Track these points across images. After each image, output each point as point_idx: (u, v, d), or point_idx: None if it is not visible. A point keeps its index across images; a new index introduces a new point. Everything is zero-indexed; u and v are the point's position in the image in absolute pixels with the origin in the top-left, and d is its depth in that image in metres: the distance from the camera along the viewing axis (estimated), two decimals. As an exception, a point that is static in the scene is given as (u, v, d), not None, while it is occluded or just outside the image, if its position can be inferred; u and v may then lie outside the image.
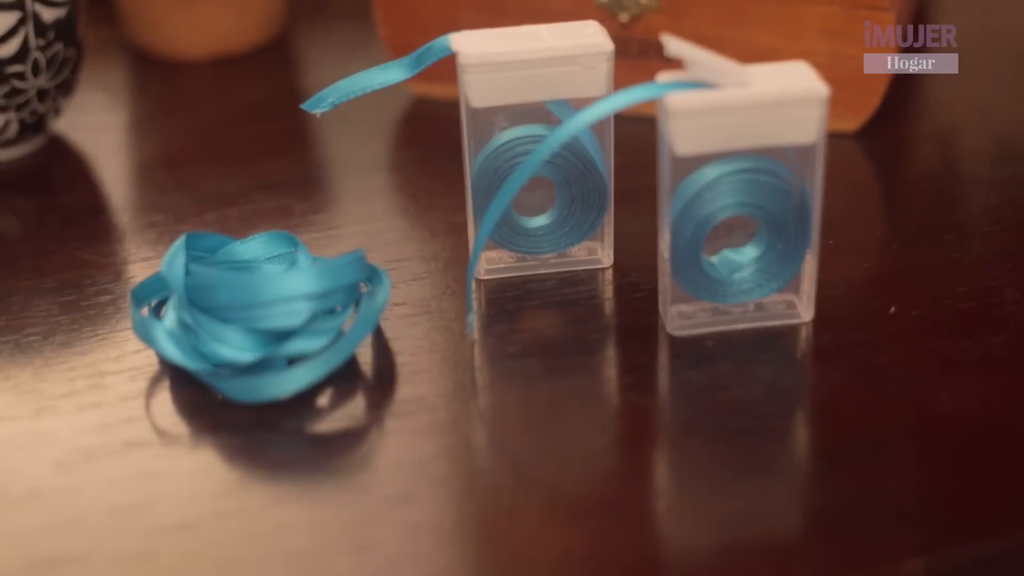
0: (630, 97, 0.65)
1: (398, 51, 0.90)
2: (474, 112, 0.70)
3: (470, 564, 0.58)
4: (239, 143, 0.91)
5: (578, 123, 0.65)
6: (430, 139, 0.89)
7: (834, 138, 0.84)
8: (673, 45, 0.64)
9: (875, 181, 0.84)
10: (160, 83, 0.99)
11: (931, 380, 0.65)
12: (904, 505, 0.59)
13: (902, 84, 0.90)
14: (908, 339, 0.68)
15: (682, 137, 0.65)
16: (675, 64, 0.65)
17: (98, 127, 0.93)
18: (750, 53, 0.83)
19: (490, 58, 0.69)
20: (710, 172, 0.66)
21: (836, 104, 0.83)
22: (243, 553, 0.58)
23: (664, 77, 0.65)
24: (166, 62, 1.00)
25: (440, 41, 0.70)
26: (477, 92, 0.69)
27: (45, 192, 0.86)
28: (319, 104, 0.72)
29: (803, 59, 0.80)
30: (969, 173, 0.84)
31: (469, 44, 0.69)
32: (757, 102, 0.64)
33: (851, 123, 0.85)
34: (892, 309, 0.70)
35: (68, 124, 0.92)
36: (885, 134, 0.86)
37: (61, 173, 0.88)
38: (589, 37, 0.69)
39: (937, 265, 0.74)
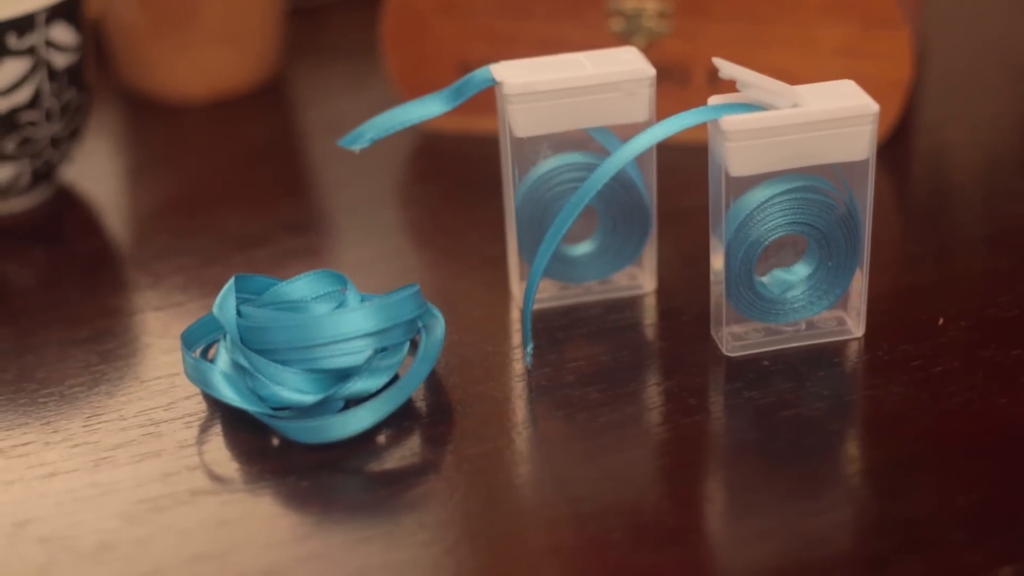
0: (684, 121, 0.65)
1: (407, 84, 0.89)
2: (518, 142, 0.70)
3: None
4: (251, 184, 0.90)
5: (634, 148, 0.65)
6: (444, 173, 0.89)
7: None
8: (726, 68, 0.64)
9: (902, 196, 0.85)
10: (161, 127, 0.97)
11: (989, 389, 0.66)
12: (984, 514, 0.59)
13: (920, 98, 0.90)
14: (960, 350, 0.68)
15: (738, 158, 0.65)
16: (702, 89, 0.66)
17: (105, 173, 0.91)
18: (766, 75, 0.84)
19: (533, 87, 0.68)
20: (761, 193, 0.66)
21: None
22: (332, 596, 0.57)
23: (716, 100, 0.66)
24: (164, 105, 0.98)
25: (481, 72, 0.69)
26: (521, 122, 0.69)
27: (61, 241, 0.84)
28: (357, 140, 0.71)
29: (819, 78, 0.81)
30: (982, 186, 0.85)
31: (511, 74, 0.69)
32: (811, 121, 0.65)
33: (868, 140, 0.86)
34: (940, 321, 0.70)
35: (75, 172, 0.90)
36: (905, 149, 0.87)
37: (74, 221, 0.86)
38: (630, 63, 0.69)
39: (975, 276, 0.75)
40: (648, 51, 0.86)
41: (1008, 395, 0.65)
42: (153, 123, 0.98)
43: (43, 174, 0.84)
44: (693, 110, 0.65)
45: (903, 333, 0.70)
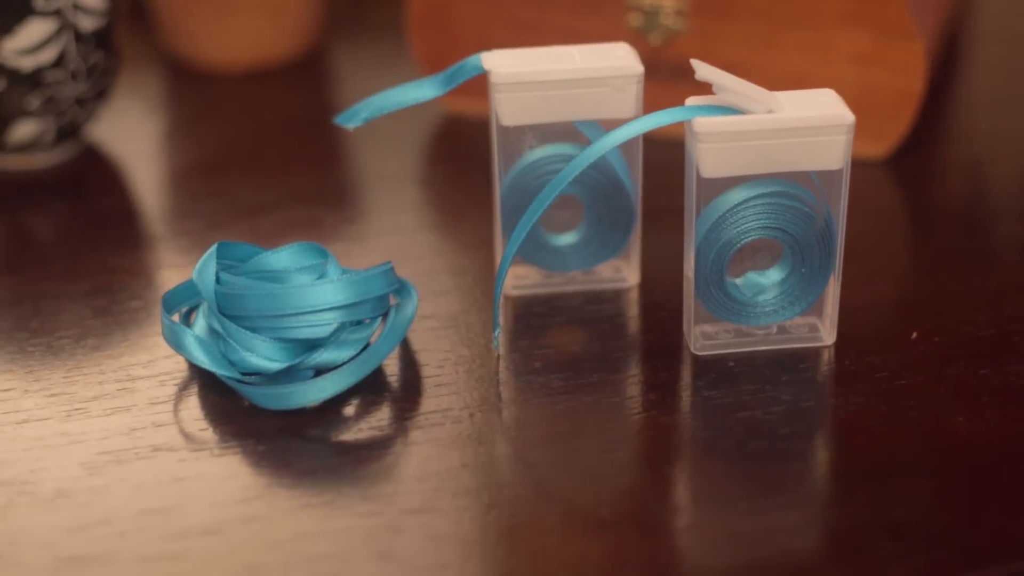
0: (659, 120, 0.66)
1: (431, 68, 0.91)
2: (504, 130, 0.71)
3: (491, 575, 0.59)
4: (273, 154, 0.92)
5: (607, 143, 0.66)
6: (461, 155, 0.90)
7: (862, 164, 0.85)
8: (702, 70, 0.65)
9: (901, 208, 0.85)
10: (196, 93, 1.00)
11: (948, 406, 0.66)
12: (918, 530, 0.59)
13: (932, 112, 0.90)
14: (928, 365, 0.68)
15: (709, 160, 0.65)
16: (706, 88, 0.66)
17: (134, 135, 0.94)
18: (780, 78, 0.84)
19: (521, 77, 0.69)
20: (736, 195, 0.67)
21: (864, 131, 0.84)
22: (267, 558, 0.59)
23: (693, 101, 0.66)
24: (203, 73, 1.01)
25: (472, 59, 0.71)
26: (507, 110, 0.70)
27: (80, 197, 0.87)
28: (352, 119, 0.72)
29: (832, 85, 0.81)
30: (996, 202, 0.85)
31: (501, 63, 0.70)
32: (784, 127, 0.65)
33: (879, 149, 0.86)
34: (914, 335, 0.70)
35: (105, 131, 0.93)
36: (913, 161, 0.87)
37: (96, 179, 0.89)
38: (620, 59, 0.70)
39: (960, 292, 0.74)
40: (664, 49, 0.87)
41: (967, 413, 0.65)
42: (188, 89, 1.00)
43: (68, 132, 0.87)
44: (669, 109, 0.66)
45: (874, 344, 0.70)
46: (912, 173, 0.86)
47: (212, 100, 0.99)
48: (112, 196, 0.88)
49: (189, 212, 0.84)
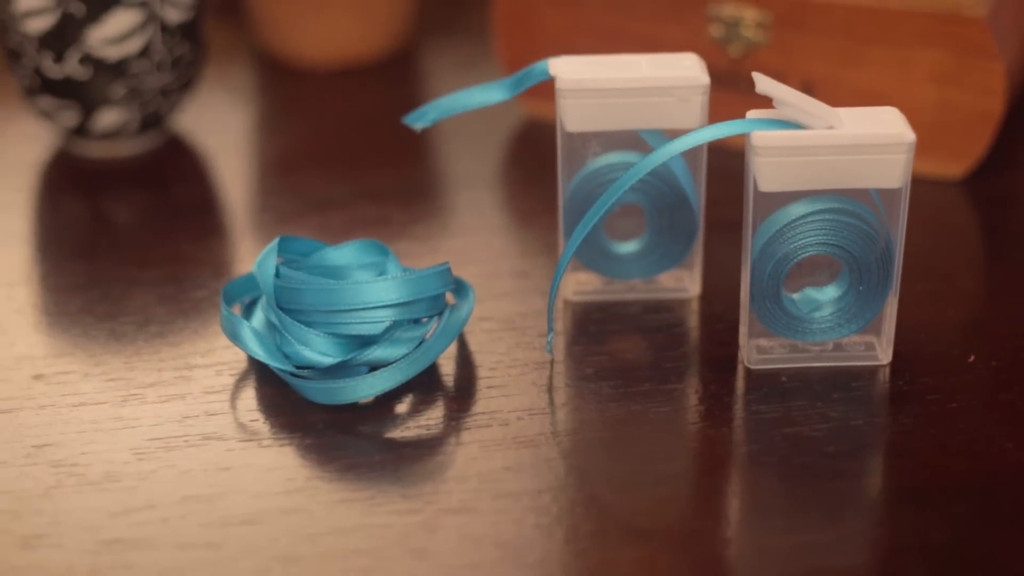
0: (718, 131, 0.66)
1: (513, 71, 0.91)
2: (569, 136, 0.71)
3: (525, 578, 0.59)
4: (352, 151, 0.93)
5: (664, 154, 0.66)
6: (536, 159, 0.91)
7: (938, 183, 0.84)
8: (763, 83, 0.64)
9: (976, 229, 0.84)
10: (283, 88, 1.01)
11: (998, 431, 0.65)
12: (952, 554, 0.59)
13: (1014, 133, 0.89)
14: (982, 388, 0.68)
15: (767, 174, 0.65)
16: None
17: (219, 127, 0.95)
18: (858, 94, 0.84)
19: (586, 84, 0.70)
20: (795, 210, 0.66)
21: (941, 150, 0.84)
22: (302, 550, 0.59)
23: (754, 114, 0.66)
24: (292, 68, 1.02)
25: (540, 65, 0.71)
26: (572, 117, 0.70)
27: (160, 186, 0.88)
28: (420, 119, 0.73)
29: (911, 103, 0.81)
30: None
31: (567, 69, 0.70)
32: (843, 144, 0.64)
33: (956, 169, 0.85)
34: (971, 358, 0.69)
35: (190, 122, 0.94)
36: (991, 182, 0.85)
37: (178, 169, 0.91)
38: (686, 70, 0.70)
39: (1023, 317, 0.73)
40: (744, 60, 0.86)
41: (1015, 440, 0.64)
42: (277, 84, 1.02)
43: (152, 122, 0.89)
44: (729, 122, 0.66)
45: (930, 365, 0.69)
46: (989, 194, 0.85)
47: (299, 96, 1.00)
48: (192, 186, 0.89)
49: (265, 205, 0.86)
